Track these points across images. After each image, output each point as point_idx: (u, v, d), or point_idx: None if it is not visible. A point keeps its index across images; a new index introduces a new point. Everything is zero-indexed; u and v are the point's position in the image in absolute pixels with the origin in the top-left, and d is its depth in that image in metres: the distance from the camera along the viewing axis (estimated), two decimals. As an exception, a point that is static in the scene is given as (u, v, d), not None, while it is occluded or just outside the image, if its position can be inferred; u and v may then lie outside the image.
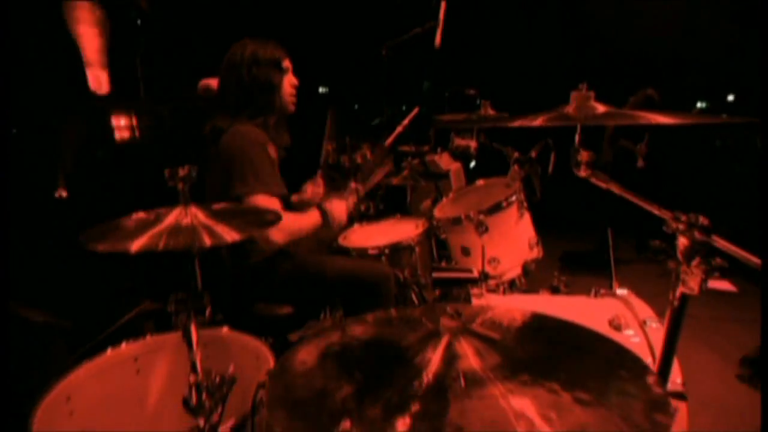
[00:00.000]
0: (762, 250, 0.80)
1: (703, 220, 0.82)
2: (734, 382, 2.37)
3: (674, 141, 4.86)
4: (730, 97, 5.32)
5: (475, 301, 1.53)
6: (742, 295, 3.30)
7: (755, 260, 0.76)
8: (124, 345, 1.30)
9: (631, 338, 1.29)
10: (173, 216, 0.84)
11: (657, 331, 1.27)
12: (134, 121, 2.82)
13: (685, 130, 4.94)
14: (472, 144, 2.66)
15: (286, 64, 1.79)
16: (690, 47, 5.15)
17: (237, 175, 1.60)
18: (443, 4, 2.43)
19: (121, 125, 2.78)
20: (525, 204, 2.08)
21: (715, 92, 5.31)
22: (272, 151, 1.72)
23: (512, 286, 2.15)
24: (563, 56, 5.49)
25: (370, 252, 1.94)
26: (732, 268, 0.81)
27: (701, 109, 5.36)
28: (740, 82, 5.05)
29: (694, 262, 0.83)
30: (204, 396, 0.76)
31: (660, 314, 1.30)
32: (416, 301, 1.98)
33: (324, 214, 1.78)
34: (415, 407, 0.66)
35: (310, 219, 1.77)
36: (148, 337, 1.33)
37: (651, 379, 0.72)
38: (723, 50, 5.02)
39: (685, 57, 5.22)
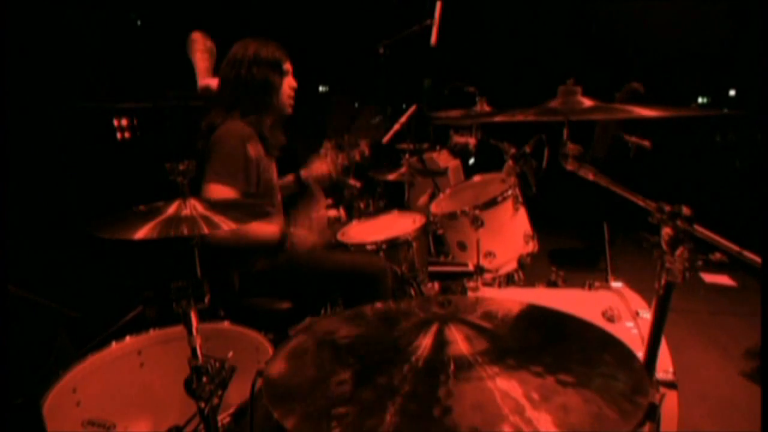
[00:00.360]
0: (762, 245, 0.81)
1: (686, 210, 0.84)
2: (733, 376, 2.38)
3: (674, 136, 4.86)
4: (732, 92, 5.31)
5: (470, 294, 1.56)
6: (741, 289, 3.31)
7: (735, 248, 0.78)
8: (128, 338, 1.34)
9: (631, 330, 1.31)
10: (173, 208, 0.88)
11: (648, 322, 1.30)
12: (135, 122, 2.86)
13: (684, 126, 4.94)
14: (471, 141, 2.67)
15: (287, 66, 1.80)
16: (692, 42, 5.15)
17: (207, 165, 1.63)
18: (439, 3, 2.45)
19: (123, 125, 2.82)
20: (520, 199, 2.09)
21: (716, 87, 5.31)
22: (253, 148, 1.70)
23: (510, 281, 2.17)
24: (566, 53, 5.48)
25: (368, 247, 1.96)
26: (731, 263, 0.81)
27: (701, 104, 5.35)
28: (742, 78, 5.04)
29: (678, 252, 0.85)
30: (204, 379, 0.79)
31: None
32: (414, 296, 2.00)
33: (299, 179, 1.78)
34: (405, 389, 0.69)
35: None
36: (152, 331, 1.36)
37: (634, 364, 0.75)
38: (725, 45, 5.02)
39: (687, 52, 5.22)
